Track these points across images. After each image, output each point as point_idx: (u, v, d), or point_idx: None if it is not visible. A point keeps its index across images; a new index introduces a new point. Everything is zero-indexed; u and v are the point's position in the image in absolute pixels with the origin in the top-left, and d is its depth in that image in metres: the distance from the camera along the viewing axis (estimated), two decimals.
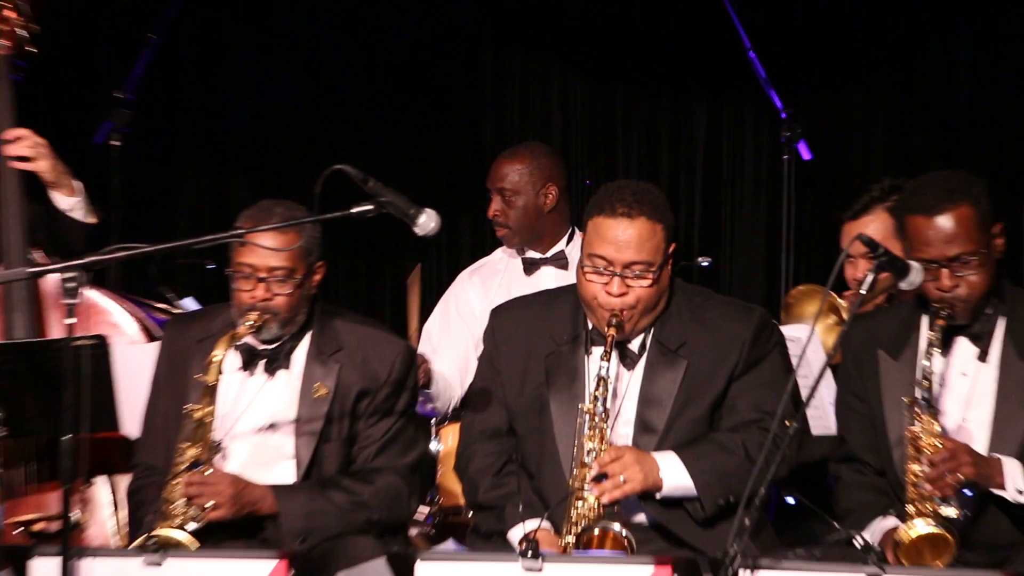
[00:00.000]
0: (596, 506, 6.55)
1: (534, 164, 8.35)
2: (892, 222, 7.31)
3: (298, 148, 8.90)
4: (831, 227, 8.10)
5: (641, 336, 6.78)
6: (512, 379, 6.94)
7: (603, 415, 6.62)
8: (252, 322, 6.81)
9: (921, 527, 6.42)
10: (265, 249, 6.80)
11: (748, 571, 6.02)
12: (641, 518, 6.76)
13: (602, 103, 10.25)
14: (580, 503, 6.56)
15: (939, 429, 6.53)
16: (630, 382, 6.80)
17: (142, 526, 6.89)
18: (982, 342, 6.72)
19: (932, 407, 6.55)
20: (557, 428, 6.79)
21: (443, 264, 8.54)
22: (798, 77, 8.95)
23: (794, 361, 6.89)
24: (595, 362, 6.71)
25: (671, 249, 6.72)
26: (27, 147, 7.61)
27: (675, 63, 9.90)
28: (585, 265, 6.70)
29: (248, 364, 6.97)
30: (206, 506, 6.68)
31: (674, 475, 6.65)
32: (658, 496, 6.66)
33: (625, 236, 6.63)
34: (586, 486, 6.57)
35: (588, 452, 6.61)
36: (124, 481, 7.29)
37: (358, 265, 8.80)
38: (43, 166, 7.62)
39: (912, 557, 6.40)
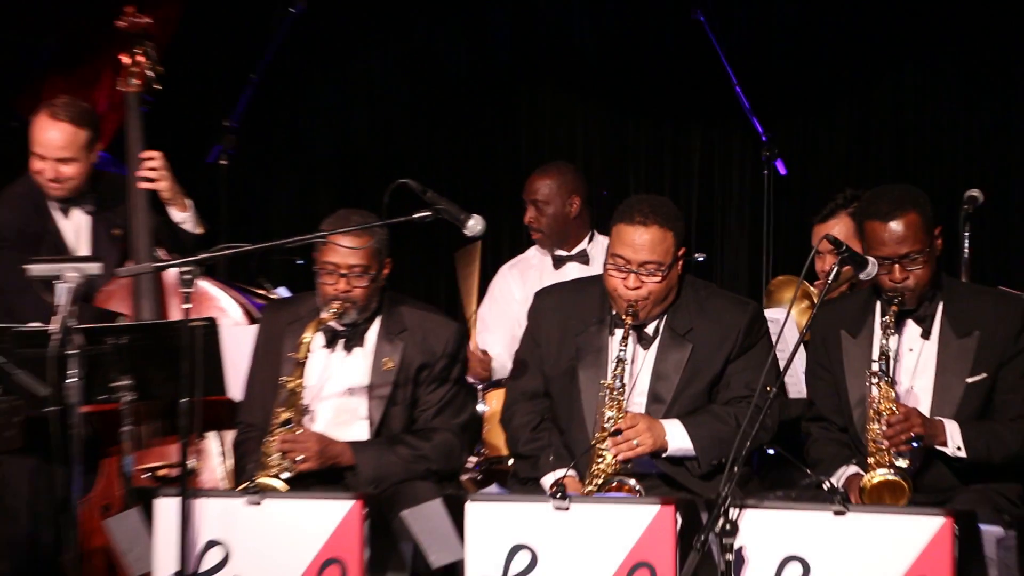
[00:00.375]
0: (613, 462, 6.69)
1: (561, 180, 8.44)
2: (853, 225, 7.43)
3: (370, 165, 8.95)
4: (803, 229, 8.18)
5: (656, 321, 6.89)
6: (549, 351, 7.05)
7: (620, 389, 6.75)
8: (335, 310, 6.94)
9: (882, 475, 6.55)
10: (345, 249, 6.93)
11: (736, 510, 6.14)
12: (650, 470, 6.82)
13: (616, 129, 10.26)
14: (600, 459, 6.70)
15: (895, 396, 6.67)
16: (645, 360, 6.91)
17: (244, 472, 7.03)
18: (925, 323, 6.85)
19: (889, 378, 6.68)
20: (584, 395, 6.90)
21: (487, 259, 8.52)
22: (776, 107, 8.98)
23: (773, 337, 6.96)
24: (616, 342, 6.83)
25: (680, 252, 6.85)
26: (153, 169, 7.69)
27: (675, 96, 9.91)
28: (608, 262, 6.83)
29: (331, 343, 7.09)
30: (297, 459, 6.82)
31: (678, 439, 6.79)
32: (664, 456, 6.78)
33: (640, 240, 6.75)
34: (606, 445, 6.71)
35: (608, 419, 6.73)
36: (229, 436, 7.39)
37: (421, 261, 8.80)
38: (163, 186, 7.72)
39: (874, 499, 6.53)
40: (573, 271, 8.25)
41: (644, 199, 6.97)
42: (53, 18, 9.62)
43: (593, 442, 6.75)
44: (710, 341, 6.90)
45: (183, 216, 7.82)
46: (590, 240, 8.50)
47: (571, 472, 6.74)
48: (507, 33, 10.25)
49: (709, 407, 6.88)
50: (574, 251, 8.46)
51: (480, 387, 7.91)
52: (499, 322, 8.49)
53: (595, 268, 8.19)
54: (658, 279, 6.77)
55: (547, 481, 6.70)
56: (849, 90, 9.95)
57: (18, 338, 6.92)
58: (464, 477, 7.33)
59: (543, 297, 7.31)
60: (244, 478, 6.92)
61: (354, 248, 6.95)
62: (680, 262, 6.87)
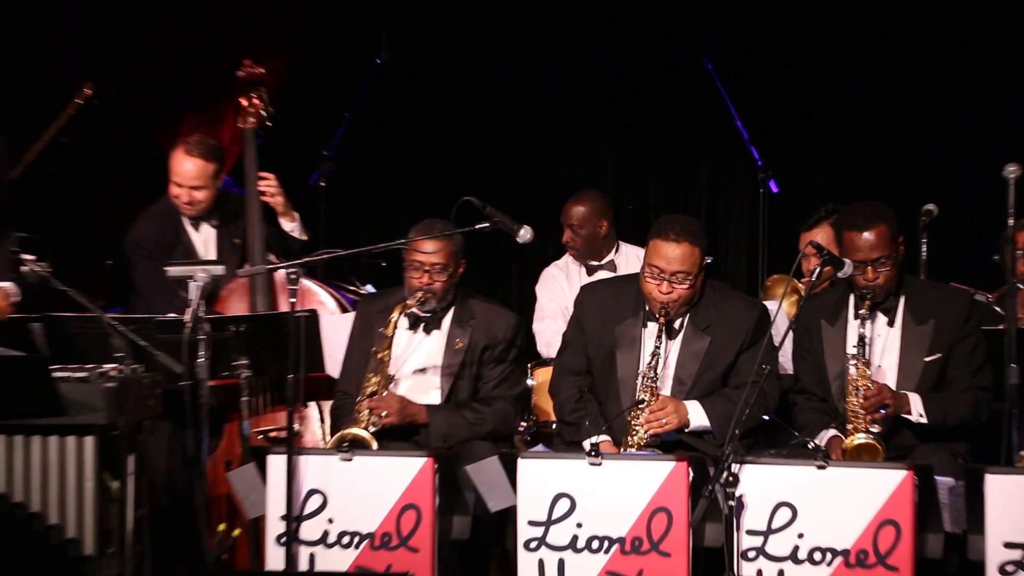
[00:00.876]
0: (646, 435, 6.66)
1: (592, 207, 8.40)
2: (832, 233, 7.36)
3: (439, 185, 8.88)
4: (792, 236, 8.10)
5: (681, 318, 6.82)
6: (592, 337, 6.98)
7: (654, 377, 6.72)
8: (419, 298, 6.91)
9: (861, 438, 6.54)
10: (430, 252, 6.93)
11: (737, 465, 6.09)
12: (672, 438, 6.76)
13: (638, 157, 10.24)
14: (635, 433, 6.67)
15: (869, 373, 6.61)
16: (671, 350, 6.84)
17: (339, 431, 6.97)
18: (891, 313, 6.80)
19: (865, 359, 6.62)
20: (620, 374, 6.84)
21: (536, 261, 8.49)
22: (769, 137, 8.91)
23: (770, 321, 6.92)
24: (648, 335, 6.81)
25: (704, 263, 6.80)
26: (268, 187, 7.65)
27: (687, 130, 9.87)
28: (645, 270, 6.78)
29: (413, 326, 7.05)
30: (382, 415, 6.79)
31: (698, 417, 6.75)
32: (686, 431, 6.74)
33: (673, 254, 6.69)
34: (640, 422, 6.68)
35: (642, 400, 6.70)
36: (327, 404, 7.34)
37: (490, 263, 8.72)
38: (276, 201, 7.71)
39: (853, 458, 6.49)
40: (602, 276, 8.17)
41: (676, 219, 6.93)
42: (187, 69, 9.61)
43: (628, 418, 6.71)
44: (725, 335, 6.84)
45: (292, 225, 7.81)
46: (616, 251, 8.43)
47: (605, 437, 6.67)
48: (551, 79, 10.23)
49: (723, 390, 6.81)
50: (603, 261, 8.41)
51: (529, 364, 7.80)
52: (550, 311, 8.43)
53: (621, 272, 8.15)
54: (687, 286, 6.72)
55: (586, 444, 6.57)
56: (830, 124, 9.89)
57: (158, 326, 6.93)
58: (516, 438, 7.26)
59: (589, 291, 7.26)
60: (341, 430, 6.89)
61: (436, 251, 6.93)
62: (704, 272, 6.80)
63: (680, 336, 6.84)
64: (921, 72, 9.64)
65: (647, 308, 6.81)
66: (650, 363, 6.72)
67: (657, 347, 6.74)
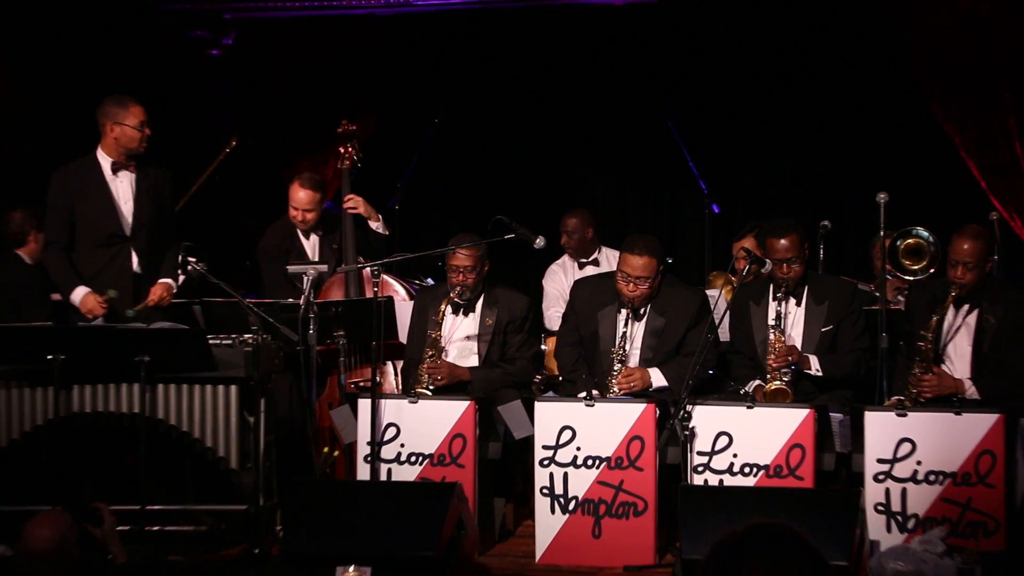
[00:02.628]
0: (619, 393, 6.62)
1: (581, 219, 8.34)
2: (756, 241, 7.33)
3: (481, 207, 8.75)
4: (728, 243, 8.07)
5: (646, 306, 6.76)
6: (581, 319, 6.93)
7: (624, 352, 6.68)
8: (458, 291, 6.88)
9: (776, 385, 6.50)
10: (463, 256, 6.88)
11: (690, 406, 6.06)
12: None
13: (618, 188, 10.23)
14: (612, 393, 6.61)
15: (783, 339, 6.56)
16: (637, 329, 6.77)
17: (407, 384, 7.00)
18: (798, 297, 6.74)
19: (780, 329, 6.57)
20: (601, 346, 6.79)
21: (543, 259, 8.45)
22: (713, 173, 8.83)
23: (712, 305, 6.88)
24: (621, 319, 6.75)
25: (661, 268, 6.74)
26: (358, 204, 7.62)
27: (654, 168, 9.82)
28: (618, 274, 6.74)
29: (455, 311, 7.01)
30: (437, 378, 6.78)
31: (658, 379, 6.71)
32: (650, 390, 6.66)
33: (637, 264, 6.66)
34: (614, 383, 6.64)
35: (615, 369, 6.66)
36: (400, 363, 7.31)
37: (516, 263, 8.70)
38: (364, 211, 7.64)
39: (771, 400, 6.45)
40: (590, 270, 8.17)
41: (640, 238, 6.89)
42: (303, 127, 9.63)
43: (607, 381, 6.66)
44: (677, 317, 6.79)
45: (376, 224, 7.71)
46: (599, 251, 8.36)
47: (595, 392, 6.61)
48: (558, 133, 10.16)
49: (676, 358, 6.74)
50: (590, 258, 8.33)
51: (543, 335, 7.76)
52: (553, 293, 8.34)
53: (603, 268, 8.09)
54: (647, 286, 6.68)
55: (582, 394, 6.53)
56: (755, 164, 9.84)
57: (281, 308, 6.91)
58: (533, 387, 7.20)
59: (579, 285, 7.22)
60: (409, 386, 6.90)
61: (467, 256, 6.89)
62: (660, 274, 6.75)
63: (644, 319, 6.78)
64: (819, 124, 9.60)
65: (620, 299, 6.76)
66: (620, 342, 6.68)
67: (626, 329, 6.70)
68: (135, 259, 6.82)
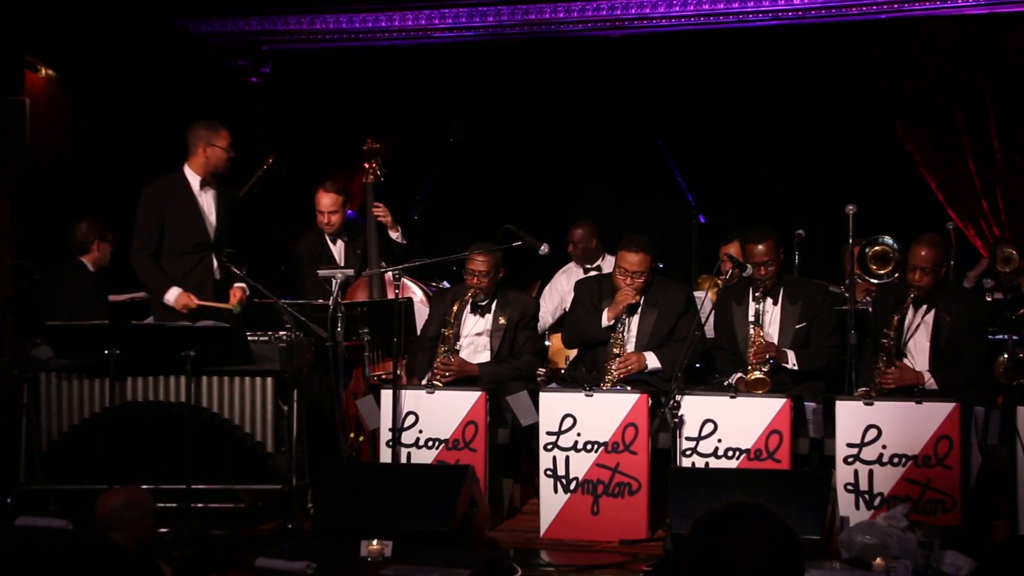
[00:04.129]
0: (617, 376, 6.59)
1: (587, 230, 8.27)
2: (738, 246, 7.29)
3: (492, 219, 8.69)
4: (713, 250, 8.03)
5: (641, 299, 6.72)
6: (585, 312, 6.88)
7: (623, 340, 6.65)
8: (473, 294, 6.82)
9: (756, 375, 6.42)
10: (480, 262, 6.81)
11: (679, 395, 6.04)
12: (636, 379, 6.67)
13: (617, 201, 10.18)
14: (610, 376, 6.58)
15: (763, 335, 6.51)
16: (634, 320, 6.74)
17: (413, 362, 6.96)
18: (775, 297, 6.68)
19: (760, 326, 6.53)
20: (603, 337, 6.75)
21: (551, 266, 8.42)
22: (699, 187, 8.78)
23: (699, 305, 6.84)
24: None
25: (653, 264, 6.72)
26: (382, 213, 7.59)
27: (647, 182, 9.77)
28: (616, 270, 6.72)
29: (472, 311, 6.93)
30: (446, 373, 6.70)
31: (652, 361, 6.67)
32: (644, 372, 6.64)
33: (633, 260, 6.64)
34: (614, 367, 6.60)
35: (614, 354, 6.63)
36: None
37: (522, 268, 8.63)
38: (387, 220, 7.61)
39: (750, 388, 6.40)
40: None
41: (636, 237, 6.86)
42: (332, 145, 9.60)
43: (606, 363, 6.63)
44: (668, 308, 6.76)
45: (396, 234, 7.68)
46: (603, 259, 8.28)
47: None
48: (563, 152, 10.08)
49: (668, 343, 6.71)
50: (594, 265, 8.25)
51: (547, 330, 7.71)
52: (550, 297, 8.27)
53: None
54: (642, 280, 6.66)
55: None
56: (736, 179, 9.78)
57: (312, 308, 6.88)
58: (538, 379, 7.14)
59: (581, 283, 7.19)
60: (415, 366, 6.90)
61: (483, 262, 6.82)
62: (654, 272, 6.72)
63: (639, 311, 6.75)
64: (794, 143, 9.58)
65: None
66: (619, 329, 6.65)
67: (624, 320, 6.67)
68: (215, 265, 6.82)
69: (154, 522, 4.73)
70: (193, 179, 6.83)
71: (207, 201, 6.85)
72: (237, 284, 6.85)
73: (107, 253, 7.60)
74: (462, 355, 6.83)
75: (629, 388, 6.48)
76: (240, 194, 8.46)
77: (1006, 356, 6.02)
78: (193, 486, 6.10)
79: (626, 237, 6.85)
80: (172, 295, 6.69)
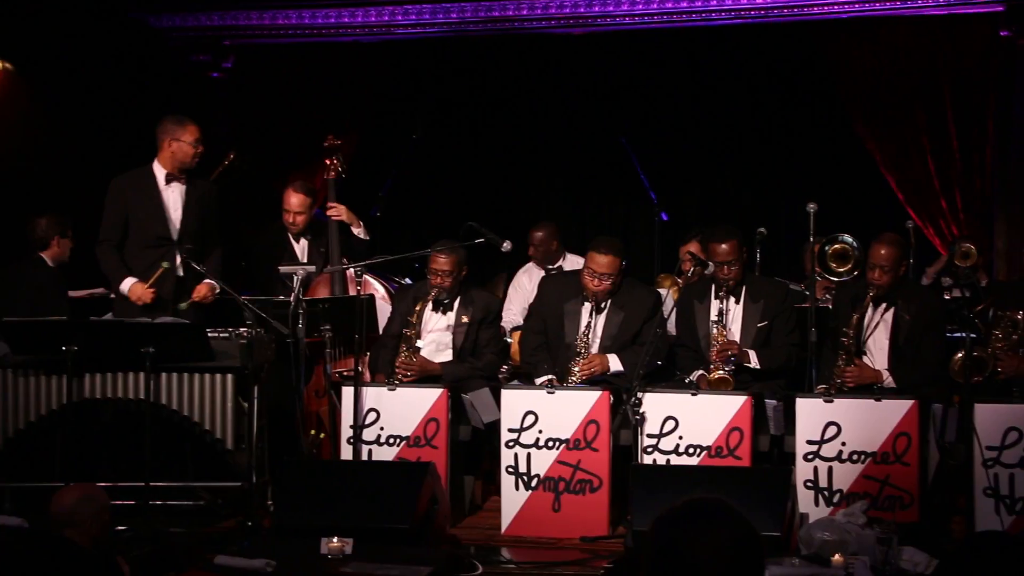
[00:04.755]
0: (580, 378, 6.58)
1: (547, 232, 8.22)
2: (699, 245, 7.31)
3: (453, 214, 8.63)
4: (675, 248, 8.05)
5: (606, 300, 6.71)
6: (548, 310, 6.88)
7: (587, 341, 6.64)
8: (436, 291, 6.78)
9: (719, 374, 6.47)
10: (443, 261, 6.77)
11: (641, 392, 6.04)
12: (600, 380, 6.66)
13: (580, 200, 10.18)
14: (573, 377, 6.57)
15: (725, 334, 6.54)
16: (599, 321, 6.73)
17: (375, 359, 6.88)
18: (737, 296, 6.69)
19: (723, 325, 6.55)
20: (566, 336, 6.74)
21: (514, 263, 8.39)
22: (661, 185, 8.79)
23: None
24: (586, 311, 6.71)
25: (622, 266, 6.69)
26: (340, 212, 7.54)
27: (610, 181, 9.77)
28: (584, 271, 6.70)
29: (435, 308, 6.88)
30: (408, 374, 6.65)
31: (615, 364, 6.65)
32: (608, 374, 6.62)
33: (602, 261, 6.62)
34: (577, 370, 6.59)
35: (578, 355, 6.61)
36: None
37: (484, 266, 8.62)
38: (346, 218, 7.56)
39: (714, 387, 6.42)
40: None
41: (606, 239, 6.88)
42: (294, 142, 9.55)
43: (569, 365, 6.61)
44: (634, 311, 6.74)
45: (359, 230, 7.63)
46: (563, 259, 8.24)
47: (552, 376, 6.59)
48: (526, 151, 10.06)
49: (632, 347, 6.69)
50: (554, 267, 8.20)
51: (508, 328, 7.69)
52: (516, 297, 8.23)
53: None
54: (610, 282, 6.64)
55: (541, 380, 6.56)
56: (697, 177, 9.81)
57: (273, 305, 6.81)
58: (500, 376, 7.11)
59: (547, 280, 7.19)
60: (377, 363, 6.83)
61: (447, 261, 6.77)
62: (622, 272, 6.71)
63: (605, 311, 6.74)
64: (756, 141, 9.61)
65: (585, 293, 6.72)
66: (584, 331, 6.64)
67: (590, 320, 6.66)
68: (178, 260, 6.82)
69: (110, 519, 4.68)
70: (160, 173, 6.83)
71: (172, 196, 6.84)
72: (206, 280, 6.83)
73: (67, 249, 7.54)
74: (424, 353, 6.78)
75: (589, 386, 6.47)
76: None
77: (961, 355, 6.06)
78: (152, 483, 6.03)
79: (597, 239, 6.85)
80: (127, 285, 6.73)
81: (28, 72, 8.79)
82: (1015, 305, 6.26)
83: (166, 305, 6.73)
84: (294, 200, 7.53)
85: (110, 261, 6.82)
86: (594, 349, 6.67)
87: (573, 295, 6.77)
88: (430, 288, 6.79)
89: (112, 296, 7.05)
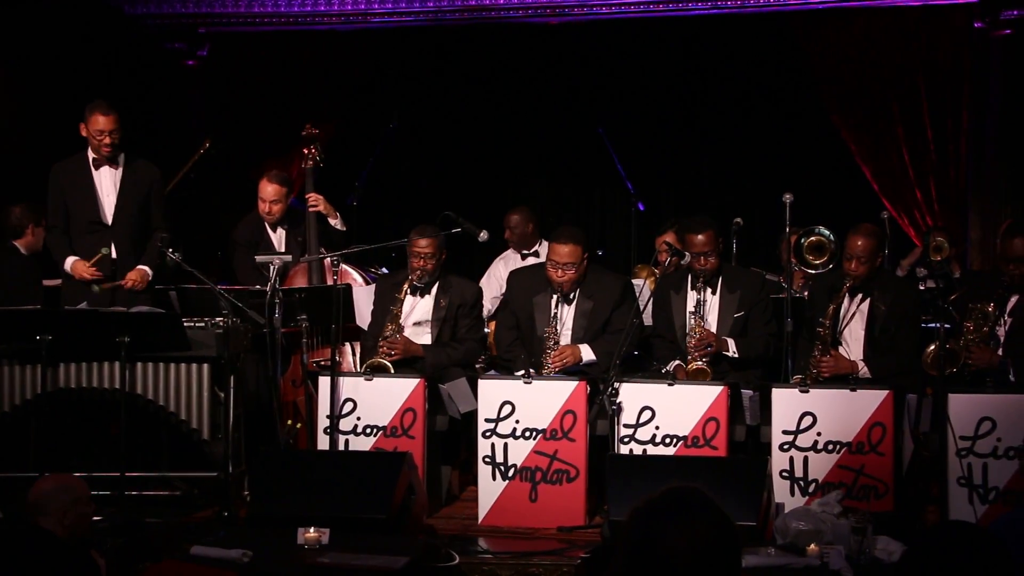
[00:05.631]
0: (552, 369, 6.57)
1: (524, 216, 8.22)
2: (675, 235, 7.32)
3: (430, 203, 8.72)
4: (651, 238, 8.08)
5: (574, 291, 6.71)
6: (518, 305, 6.88)
7: (556, 332, 6.63)
8: (417, 275, 6.79)
9: (697, 365, 6.48)
10: (424, 245, 6.78)
11: (617, 383, 6.06)
12: (573, 371, 6.65)
13: (557, 189, 10.23)
14: (545, 369, 6.57)
15: (702, 325, 6.55)
16: (569, 312, 6.74)
17: (366, 361, 6.86)
18: (714, 286, 6.70)
19: (700, 315, 6.56)
20: (536, 328, 6.73)
21: (490, 253, 8.40)
22: (638, 175, 8.82)
23: (637, 293, 6.84)
24: (553, 303, 6.69)
25: (585, 255, 6.68)
26: (317, 202, 7.53)
27: (587, 171, 9.79)
28: (548, 262, 6.70)
29: (414, 292, 6.88)
30: (393, 351, 6.67)
31: (587, 354, 6.64)
32: (580, 365, 6.62)
33: (563, 251, 6.61)
34: (548, 360, 6.58)
35: (548, 346, 6.61)
36: (357, 344, 7.20)
37: (461, 255, 8.59)
38: (323, 209, 7.54)
39: (692, 378, 6.44)
40: (530, 261, 8.02)
41: (565, 228, 6.88)
42: (270, 130, 9.53)
43: (542, 358, 6.61)
44: (602, 300, 6.74)
45: (335, 221, 7.62)
46: (539, 244, 8.22)
47: (533, 371, 6.53)
48: (503, 140, 10.09)
49: (603, 336, 6.69)
50: (531, 251, 8.22)
51: (487, 317, 7.69)
52: (491, 286, 8.19)
53: (543, 258, 7.95)
54: (573, 272, 6.62)
55: (519, 372, 6.54)
56: (674, 168, 9.85)
57: (250, 294, 6.80)
58: (478, 366, 7.11)
59: (516, 275, 7.16)
60: (368, 360, 6.80)
61: (428, 244, 6.78)
62: (585, 260, 6.69)
63: (574, 302, 6.74)
64: (732, 131, 9.66)
65: (552, 286, 6.71)
66: (551, 322, 6.63)
67: (556, 312, 6.65)
68: (113, 246, 6.86)
69: (90, 512, 4.66)
70: (90, 158, 6.92)
71: (104, 180, 6.90)
72: (140, 266, 6.89)
73: (41, 238, 7.50)
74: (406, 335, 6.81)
75: (567, 372, 6.48)
76: (176, 178, 8.37)
77: (934, 347, 6.10)
78: (127, 473, 6.00)
79: (557, 229, 6.86)
80: (69, 263, 6.87)
81: (0, 59, 8.73)
82: (987, 296, 6.31)
83: (98, 281, 6.82)
84: (269, 189, 7.50)
85: (54, 244, 6.97)
86: (564, 340, 6.68)
87: (542, 288, 6.76)
88: (410, 272, 6.79)
89: (60, 282, 7.09)
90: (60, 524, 4.42)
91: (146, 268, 6.85)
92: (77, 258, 6.86)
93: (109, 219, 6.89)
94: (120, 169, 6.92)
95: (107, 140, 6.82)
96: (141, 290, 6.88)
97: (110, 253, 6.87)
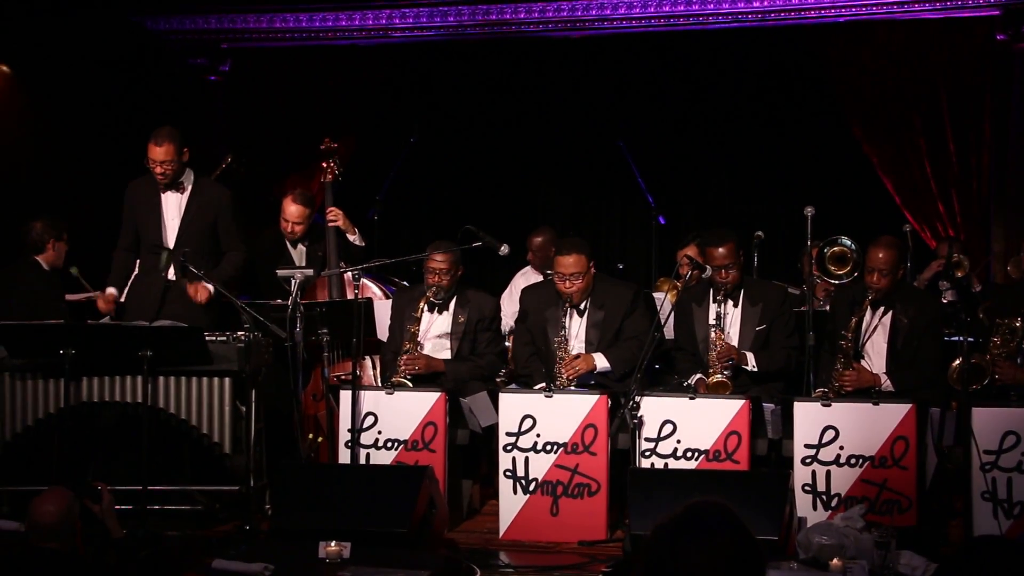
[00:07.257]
0: (567, 379, 6.55)
1: (545, 238, 8.18)
2: (697, 249, 7.29)
3: (450, 217, 8.71)
4: (672, 252, 8.04)
5: (585, 301, 6.70)
6: (532, 320, 6.87)
7: (567, 342, 6.62)
8: (433, 291, 6.78)
9: (718, 378, 6.47)
10: (439, 260, 6.78)
11: (638, 397, 6.03)
12: (588, 382, 6.65)
13: (578, 203, 10.23)
14: (559, 377, 6.55)
15: (724, 338, 6.53)
16: (581, 322, 6.72)
17: (386, 375, 6.86)
18: (736, 299, 6.67)
19: (721, 328, 6.53)
20: (550, 342, 6.71)
21: (511, 267, 8.38)
22: (659, 188, 8.79)
23: (658, 308, 6.80)
24: (564, 314, 6.68)
25: (592, 265, 6.67)
26: (337, 217, 7.53)
27: (608, 185, 9.78)
28: (555, 276, 6.70)
29: (431, 309, 6.88)
30: (414, 368, 6.67)
31: (601, 362, 6.63)
32: (594, 373, 6.60)
33: (567, 262, 6.62)
34: (562, 370, 6.56)
35: (559, 356, 6.59)
36: (378, 358, 7.17)
37: (483, 268, 8.62)
38: (342, 224, 7.56)
39: (713, 391, 6.41)
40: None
41: (568, 240, 6.93)
42: (291, 145, 9.56)
43: (555, 369, 6.60)
44: (613, 308, 6.72)
45: (353, 237, 7.64)
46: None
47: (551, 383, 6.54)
48: (523, 156, 10.08)
49: (616, 344, 6.67)
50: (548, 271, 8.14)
51: (507, 331, 7.67)
52: (512, 300, 8.14)
53: None
54: (579, 281, 6.62)
55: (538, 384, 6.53)
56: (695, 182, 9.82)
57: (271, 308, 6.81)
58: (498, 380, 7.09)
59: (527, 292, 7.16)
60: (388, 378, 6.77)
61: (443, 260, 6.78)
62: (592, 271, 6.68)
63: (586, 313, 6.72)
64: (754, 145, 9.63)
65: (564, 299, 6.71)
66: (562, 332, 6.61)
67: (565, 322, 6.64)
68: (172, 268, 6.90)
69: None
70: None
71: (170, 204, 6.92)
72: (204, 284, 6.85)
73: (62, 252, 7.53)
74: (425, 351, 6.79)
75: (585, 389, 6.45)
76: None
77: (959, 362, 6.06)
78: (150, 487, 6.02)
79: (560, 241, 6.88)
80: (107, 290, 7.00)
81: (26, 75, 8.79)
82: (1013, 310, 6.26)
83: (153, 310, 6.83)
84: (293, 210, 7.54)
85: (113, 266, 7.05)
86: (575, 350, 6.67)
87: (553, 302, 6.75)
88: (427, 287, 6.80)
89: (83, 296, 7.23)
90: (68, 545, 4.41)
91: (208, 285, 6.85)
92: (105, 291, 6.96)
93: (171, 242, 6.89)
94: (187, 193, 6.93)
95: (159, 170, 6.83)
96: (203, 303, 6.88)
97: (171, 252, 6.89)
